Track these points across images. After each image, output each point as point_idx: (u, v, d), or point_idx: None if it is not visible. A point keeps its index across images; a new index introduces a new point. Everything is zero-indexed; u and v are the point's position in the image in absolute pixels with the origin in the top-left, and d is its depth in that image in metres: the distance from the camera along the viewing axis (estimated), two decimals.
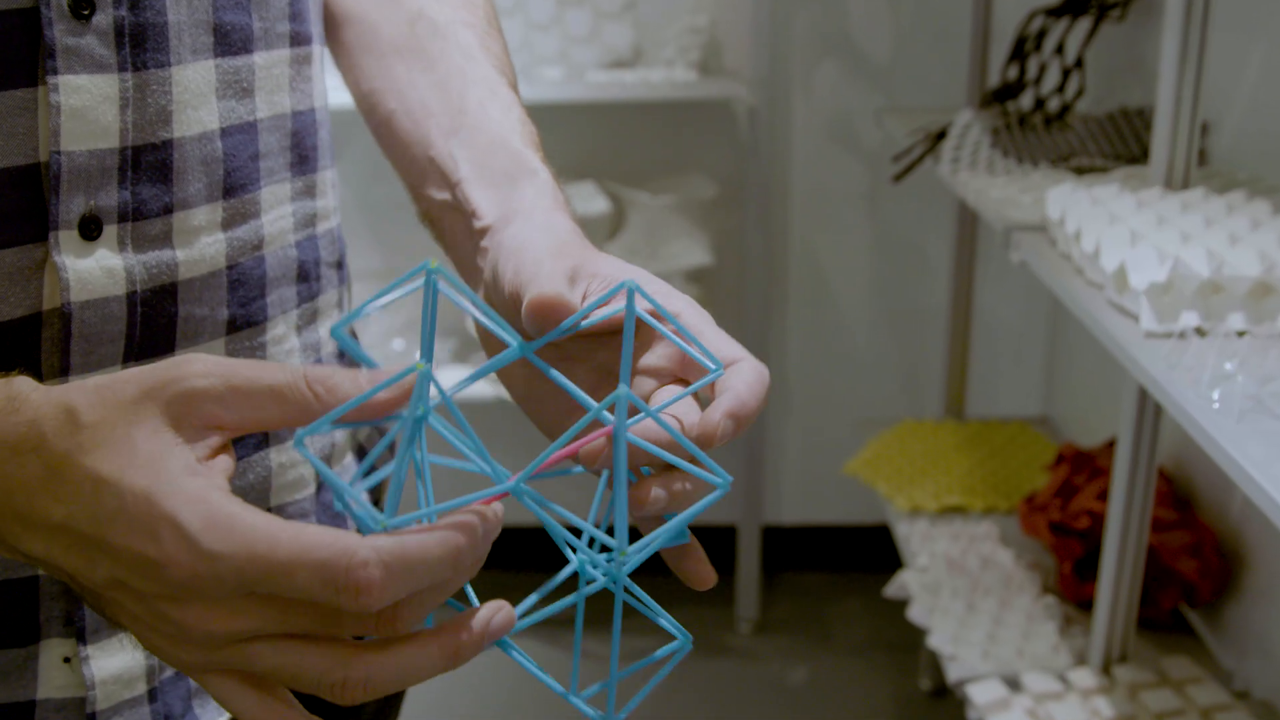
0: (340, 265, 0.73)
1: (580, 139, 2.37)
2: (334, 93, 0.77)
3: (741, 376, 0.51)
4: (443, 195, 0.67)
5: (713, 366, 0.51)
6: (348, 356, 0.73)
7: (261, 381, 0.47)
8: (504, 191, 0.64)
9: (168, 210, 0.58)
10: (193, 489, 0.44)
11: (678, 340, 0.52)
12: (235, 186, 0.62)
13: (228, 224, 0.62)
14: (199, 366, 0.47)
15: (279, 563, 0.42)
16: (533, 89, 2.09)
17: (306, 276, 0.68)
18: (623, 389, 0.45)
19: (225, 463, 0.47)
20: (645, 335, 0.55)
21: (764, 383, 0.51)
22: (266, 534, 0.43)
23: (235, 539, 0.43)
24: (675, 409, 0.51)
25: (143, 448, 0.45)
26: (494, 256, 0.59)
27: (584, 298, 0.54)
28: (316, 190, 0.69)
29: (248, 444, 0.64)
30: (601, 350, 0.57)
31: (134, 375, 0.47)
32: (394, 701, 0.78)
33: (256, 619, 0.44)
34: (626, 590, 0.48)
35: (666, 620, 0.49)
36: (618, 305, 0.53)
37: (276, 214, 0.65)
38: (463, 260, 0.65)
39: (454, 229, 0.66)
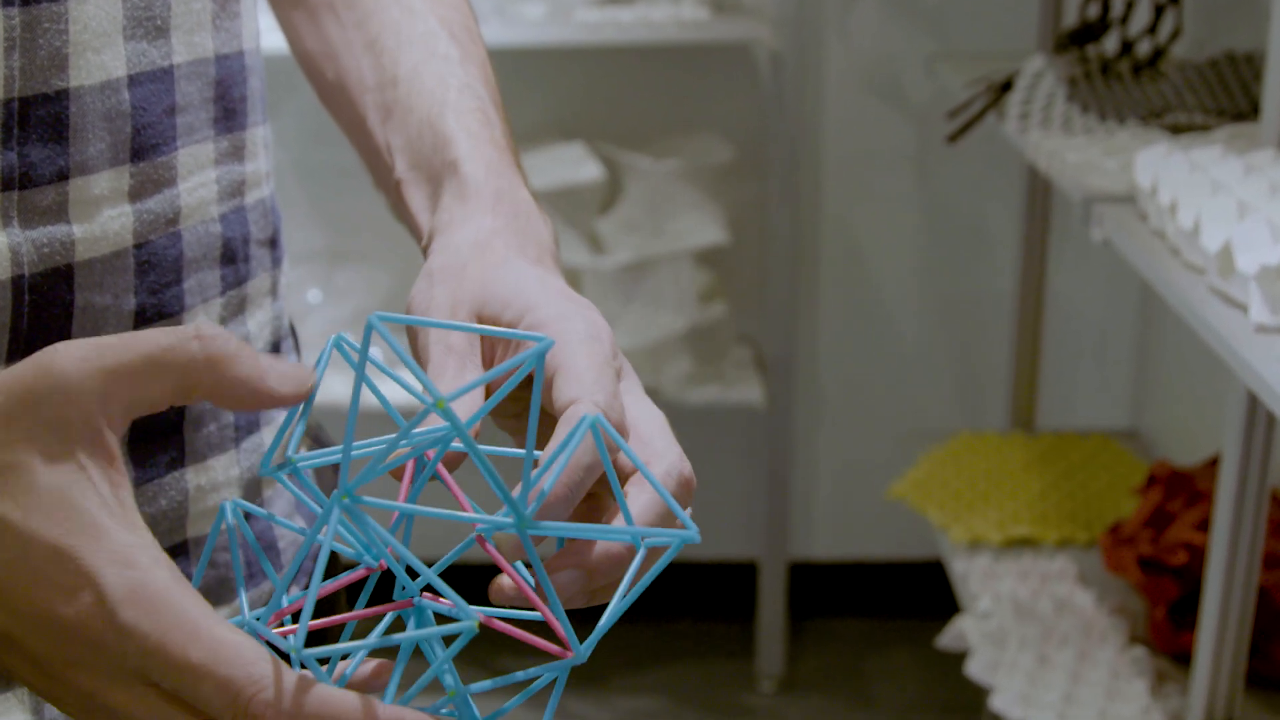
0: (274, 243, 0.73)
1: (567, 91, 2.37)
2: (269, 33, 0.76)
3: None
4: (393, 196, 0.68)
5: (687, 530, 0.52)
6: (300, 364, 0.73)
7: (135, 351, 0.47)
8: (432, 194, 0.65)
9: (62, 176, 0.58)
10: (119, 545, 0.46)
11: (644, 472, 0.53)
12: (145, 147, 0.62)
13: (136, 193, 0.61)
14: (65, 361, 0.47)
15: (188, 664, 0.45)
16: (509, 30, 2.08)
17: (233, 257, 0.68)
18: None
19: (125, 481, 0.48)
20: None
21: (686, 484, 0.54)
22: (189, 626, 0.45)
23: (155, 620, 0.45)
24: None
25: (43, 483, 0.46)
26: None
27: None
28: (245, 152, 0.69)
29: (159, 464, 0.64)
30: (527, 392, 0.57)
31: None
32: None
33: (150, 714, 0.46)
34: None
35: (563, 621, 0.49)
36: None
37: (196, 181, 0.65)
38: None
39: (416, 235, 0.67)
